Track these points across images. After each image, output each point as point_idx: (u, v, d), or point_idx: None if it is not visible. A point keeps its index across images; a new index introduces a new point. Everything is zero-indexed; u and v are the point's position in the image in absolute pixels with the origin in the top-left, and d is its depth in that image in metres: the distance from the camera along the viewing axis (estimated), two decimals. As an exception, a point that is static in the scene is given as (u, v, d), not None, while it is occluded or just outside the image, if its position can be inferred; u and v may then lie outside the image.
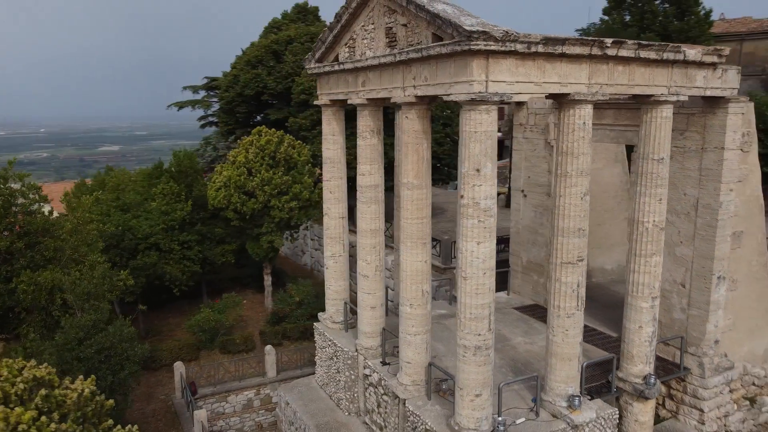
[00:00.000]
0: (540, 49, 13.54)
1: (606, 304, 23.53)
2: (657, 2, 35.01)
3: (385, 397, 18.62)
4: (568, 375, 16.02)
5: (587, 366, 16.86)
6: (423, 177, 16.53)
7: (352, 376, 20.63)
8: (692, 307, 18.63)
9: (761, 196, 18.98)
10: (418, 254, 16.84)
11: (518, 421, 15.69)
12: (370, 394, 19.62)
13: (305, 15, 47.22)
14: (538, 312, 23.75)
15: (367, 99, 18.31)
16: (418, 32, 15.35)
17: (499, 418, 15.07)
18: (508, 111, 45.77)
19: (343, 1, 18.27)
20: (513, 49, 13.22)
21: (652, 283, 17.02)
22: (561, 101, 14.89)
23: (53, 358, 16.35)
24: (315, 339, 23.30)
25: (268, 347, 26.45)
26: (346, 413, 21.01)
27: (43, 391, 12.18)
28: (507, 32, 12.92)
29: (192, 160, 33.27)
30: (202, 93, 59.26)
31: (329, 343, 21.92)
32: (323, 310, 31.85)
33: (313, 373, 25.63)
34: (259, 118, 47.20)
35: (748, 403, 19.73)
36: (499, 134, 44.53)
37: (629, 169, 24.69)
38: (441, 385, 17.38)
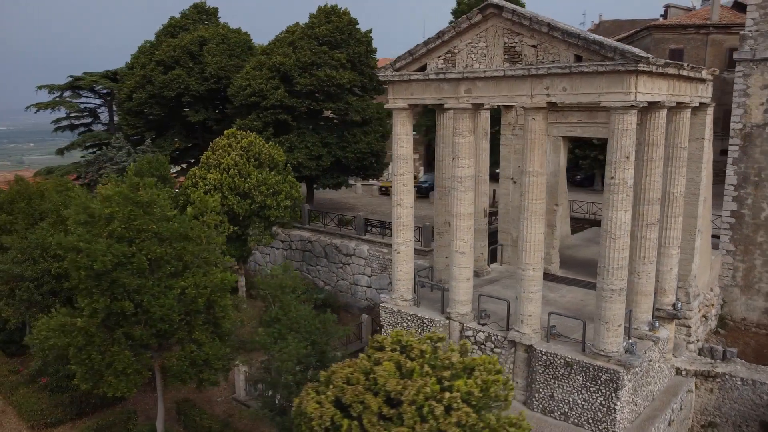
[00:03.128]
0: (660, 69, 18.96)
1: (576, 263, 30.39)
2: None
3: (497, 350, 22.54)
4: (648, 306, 21.93)
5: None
6: (543, 166, 20.92)
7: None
8: (680, 254, 25.90)
9: (711, 172, 27.12)
10: (539, 227, 21.19)
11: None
12: (472, 351, 23.24)
13: (206, 15, 46.66)
14: (535, 275, 29.62)
15: (472, 104, 21.97)
16: (553, 52, 19.68)
17: (630, 340, 20.30)
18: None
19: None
20: (650, 69, 18.43)
21: (677, 236, 23.73)
22: (650, 107, 20.49)
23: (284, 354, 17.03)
24: (382, 318, 25.87)
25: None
26: (437, 375, 24.25)
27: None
28: (654, 57, 18.07)
29: (165, 166, 32.11)
30: (56, 94, 53.68)
31: (409, 317, 24.83)
32: (316, 300, 33.68)
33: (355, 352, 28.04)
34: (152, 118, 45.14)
35: (704, 318, 27.91)
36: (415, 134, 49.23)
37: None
38: (551, 330, 21.94)
